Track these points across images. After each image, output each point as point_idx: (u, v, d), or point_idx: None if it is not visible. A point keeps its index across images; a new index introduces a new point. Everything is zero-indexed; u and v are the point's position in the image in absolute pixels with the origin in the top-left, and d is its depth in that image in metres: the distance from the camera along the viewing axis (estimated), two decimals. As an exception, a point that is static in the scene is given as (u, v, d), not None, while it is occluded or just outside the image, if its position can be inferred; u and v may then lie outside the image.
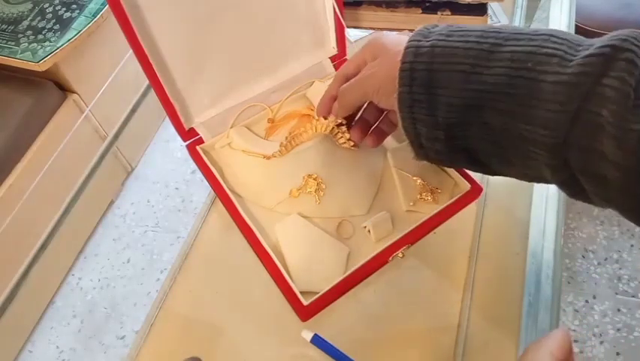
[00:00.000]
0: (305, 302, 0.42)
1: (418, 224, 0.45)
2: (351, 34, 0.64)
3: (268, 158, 0.50)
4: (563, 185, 0.33)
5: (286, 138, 0.49)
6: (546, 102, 0.30)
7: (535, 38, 0.32)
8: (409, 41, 0.35)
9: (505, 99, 0.32)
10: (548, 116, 0.30)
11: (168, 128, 0.55)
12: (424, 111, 0.35)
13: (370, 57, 0.41)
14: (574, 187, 0.32)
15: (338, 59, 0.58)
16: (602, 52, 0.28)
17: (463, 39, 0.34)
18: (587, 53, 0.29)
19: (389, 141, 0.52)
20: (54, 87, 1.22)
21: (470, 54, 0.33)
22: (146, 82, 0.60)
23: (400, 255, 0.44)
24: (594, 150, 0.29)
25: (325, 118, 0.46)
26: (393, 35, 0.40)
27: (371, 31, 0.67)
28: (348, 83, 0.43)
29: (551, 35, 0.31)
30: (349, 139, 0.47)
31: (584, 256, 1.30)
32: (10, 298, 0.52)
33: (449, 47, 0.34)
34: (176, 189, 1.47)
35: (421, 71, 0.34)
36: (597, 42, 0.30)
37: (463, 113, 0.33)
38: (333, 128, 0.47)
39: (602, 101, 0.28)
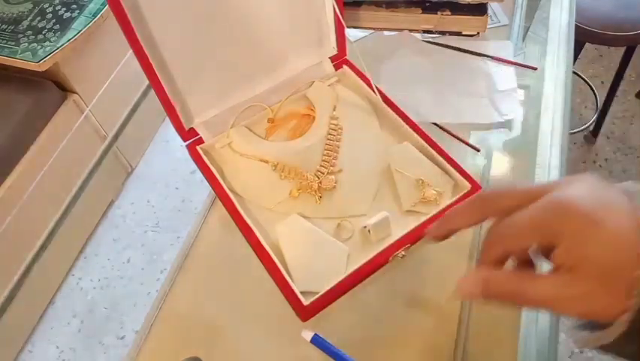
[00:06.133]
0: (305, 302, 0.42)
1: (418, 224, 0.45)
2: (351, 34, 0.64)
3: (267, 162, 0.50)
4: None
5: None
6: None
7: None
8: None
9: None
10: None
11: (168, 128, 0.55)
12: None
13: (554, 232, 0.26)
14: None
15: (338, 59, 0.58)
16: None
17: None
18: None
19: (389, 141, 0.52)
20: (54, 87, 1.22)
21: None
22: (146, 82, 0.60)
23: (400, 255, 0.44)
24: None
25: (436, 241, 0.35)
26: (594, 222, 0.25)
27: (371, 31, 0.67)
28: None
29: None
30: None
31: (584, 256, 1.30)
32: (10, 298, 0.52)
33: None
34: (176, 189, 1.47)
35: None
36: None
37: None
38: None
39: None
